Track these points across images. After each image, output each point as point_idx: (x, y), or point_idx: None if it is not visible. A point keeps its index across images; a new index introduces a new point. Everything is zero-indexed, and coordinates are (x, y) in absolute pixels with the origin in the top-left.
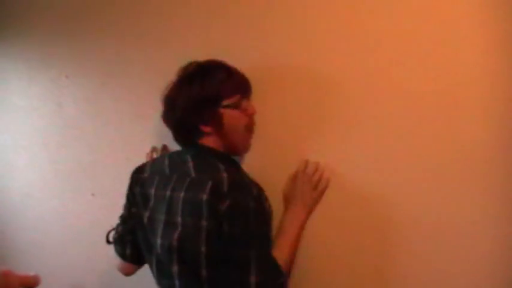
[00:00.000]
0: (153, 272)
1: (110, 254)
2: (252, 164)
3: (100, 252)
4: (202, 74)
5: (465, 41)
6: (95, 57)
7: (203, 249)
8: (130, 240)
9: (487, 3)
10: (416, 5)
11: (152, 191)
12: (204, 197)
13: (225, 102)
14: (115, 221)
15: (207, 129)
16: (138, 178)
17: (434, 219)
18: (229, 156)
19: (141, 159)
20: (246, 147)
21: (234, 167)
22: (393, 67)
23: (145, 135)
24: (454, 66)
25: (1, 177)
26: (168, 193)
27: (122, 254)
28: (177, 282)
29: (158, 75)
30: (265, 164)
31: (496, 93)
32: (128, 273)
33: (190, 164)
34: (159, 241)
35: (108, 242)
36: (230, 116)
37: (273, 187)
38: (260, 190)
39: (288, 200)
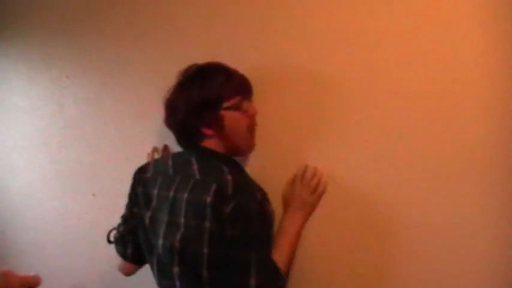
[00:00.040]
0: (153, 272)
1: (110, 254)
2: (252, 164)
3: (101, 252)
4: (201, 77)
5: (465, 41)
6: (95, 57)
7: (205, 250)
8: (132, 240)
9: (487, 3)
10: (416, 5)
11: (155, 191)
12: (208, 199)
13: (226, 104)
14: (115, 221)
15: (208, 131)
16: (141, 178)
17: (434, 219)
18: (233, 159)
19: (141, 159)
20: (249, 148)
21: (237, 170)
22: (394, 67)
23: (145, 135)
24: (454, 66)
25: (1, 177)
26: (171, 194)
27: (122, 254)
28: (177, 283)
29: (159, 75)
30: (265, 164)
31: (496, 93)
32: (128, 273)
33: (195, 166)
34: (160, 241)
35: (108, 241)
36: (231, 117)
37: (273, 188)
38: (263, 193)
39: (286, 203)
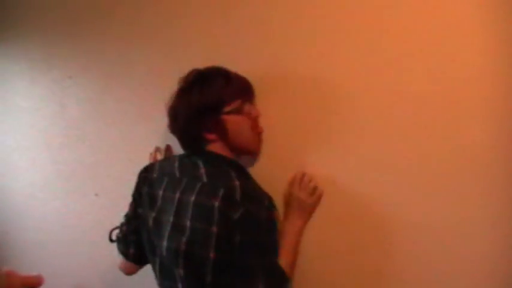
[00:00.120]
0: (155, 273)
1: (112, 254)
2: (253, 166)
3: (103, 252)
4: (201, 82)
5: (465, 42)
6: (97, 58)
7: (211, 255)
8: (134, 240)
9: (487, 3)
10: (417, 7)
11: (160, 192)
12: (216, 203)
13: (227, 109)
14: (117, 221)
15: (211, 136)
16: (146, 178)
17: (434, 219)
18: (239, 164)
19: (143, 159)
20: (256, 148)
21: (244, 175)
22: (394, 69)
23: (147, 135)
24: (454, 66)
25: (4, 177)
26: (177, 196)
27: (125, 254)
28: (179, 285)
29: (161, 76)
30: (267, 166)
31: (496, 93)
32: (129, 273)
33: (202, 170)
34: (165, 243)
35: (110, 240)
36: (233, 121)
37: (275, 190)
38: (270, 200)
39: (286, 204)
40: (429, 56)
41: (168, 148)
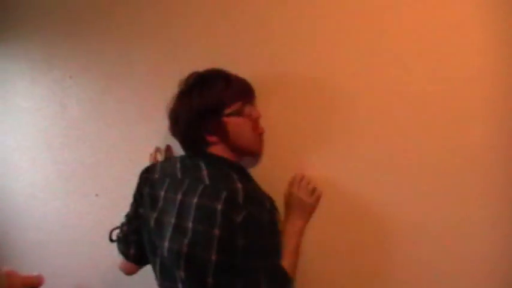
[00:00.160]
0: (155, 274)
1: (113, 254)
2: (254, 167)
3: (103, 252)
4: (201, 85)
5: (465, 42)
6: (98, 58)
7: (213, 257)
8: (135, 241)
9: (487, 3)
10: (417, 8)
11: (162, 193)
12: (219, 206)
13: (227, 111)
14: (118, 221)
15: (212, 139)
16: (148, 178)
17: (434, 219)
18: (241, 166)
19: (144, 160)
20: (258, 149)
21: (246, 177)
22: (395, 69)
23: (148, 136)
24: (455, 67)
25: (4, 177)
26: (179, 197)
27: (125, 254)
28: (180, 286)
29: (162, 76)
30: (267, 166)
31: (496, 93)
32: (129, 273)
33: (204, 172)
34: (166, 244)
35: (111, 240)
36: (234, 123)
37: (276, 192)
38: (272, 202)
39: (286, 205)
40: (429, 56)
41: (168, 148)
